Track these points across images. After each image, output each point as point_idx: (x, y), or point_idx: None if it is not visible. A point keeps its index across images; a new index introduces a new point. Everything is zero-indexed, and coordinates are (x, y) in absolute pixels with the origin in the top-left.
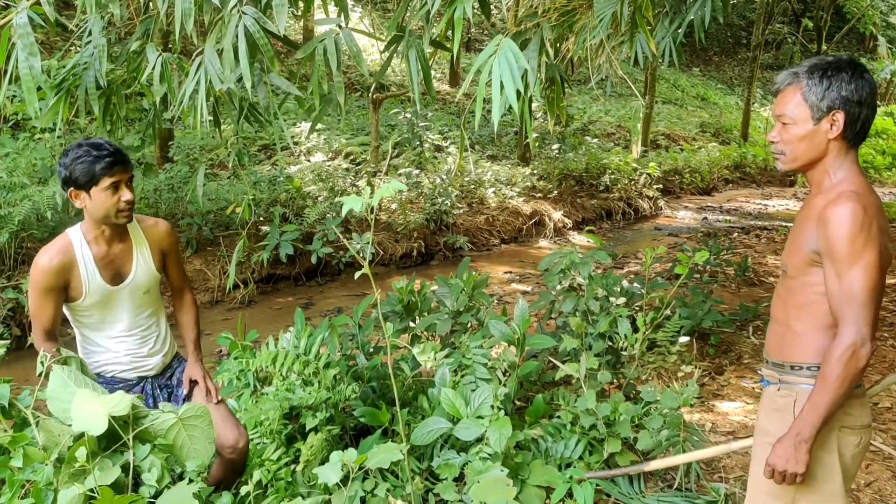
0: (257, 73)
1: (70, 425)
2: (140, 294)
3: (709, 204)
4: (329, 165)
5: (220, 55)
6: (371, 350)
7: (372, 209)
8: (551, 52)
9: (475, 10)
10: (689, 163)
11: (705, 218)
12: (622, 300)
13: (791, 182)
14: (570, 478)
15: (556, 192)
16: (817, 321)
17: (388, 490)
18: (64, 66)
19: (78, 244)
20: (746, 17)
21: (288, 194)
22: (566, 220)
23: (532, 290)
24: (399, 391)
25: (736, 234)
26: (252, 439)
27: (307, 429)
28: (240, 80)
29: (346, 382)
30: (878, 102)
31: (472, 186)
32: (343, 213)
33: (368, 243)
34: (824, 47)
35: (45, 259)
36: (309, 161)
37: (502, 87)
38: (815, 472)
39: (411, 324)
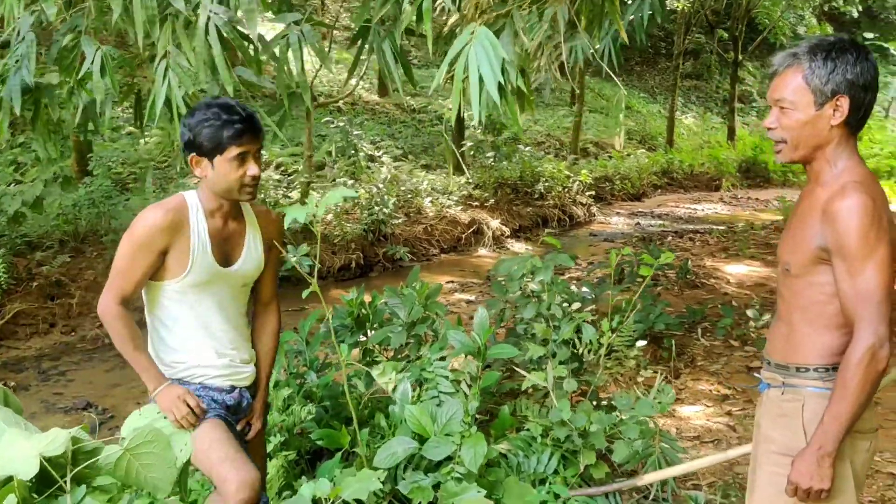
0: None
1: None
2: (239, 286)
3: (640, 209)
4: None
5: (186, 56)
6: (320, 366)
7: (315, 218)
8: (526, 41)
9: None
10: (619, 170)
11: (638, 223)
12: (576, 305)
13: (717, 187)
14: (549, 493)
15: (492, 200)
16: (824, 321)
17: None
18: None
19: (194, 210)
20: (666, 28)
21: None
22: (504, 228)
23: (476, 299)
24: (355, 410)
25: (670, 238)
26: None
27: None
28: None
29: (298, 403)
30: None
31: (409, 196)
32: (286, 224)
33: (316, 256)
34: (740, 56)
35: (157, 213)
36: None
37: (481, 80)
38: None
39: (362, 337)
